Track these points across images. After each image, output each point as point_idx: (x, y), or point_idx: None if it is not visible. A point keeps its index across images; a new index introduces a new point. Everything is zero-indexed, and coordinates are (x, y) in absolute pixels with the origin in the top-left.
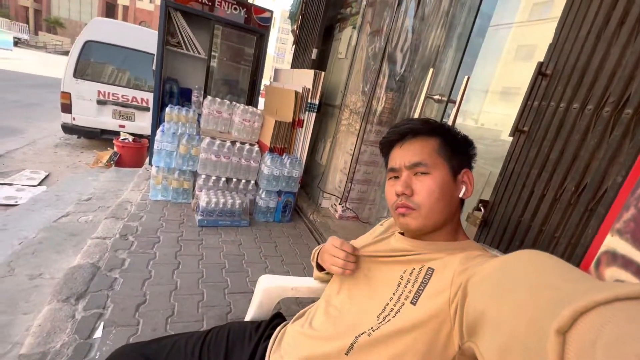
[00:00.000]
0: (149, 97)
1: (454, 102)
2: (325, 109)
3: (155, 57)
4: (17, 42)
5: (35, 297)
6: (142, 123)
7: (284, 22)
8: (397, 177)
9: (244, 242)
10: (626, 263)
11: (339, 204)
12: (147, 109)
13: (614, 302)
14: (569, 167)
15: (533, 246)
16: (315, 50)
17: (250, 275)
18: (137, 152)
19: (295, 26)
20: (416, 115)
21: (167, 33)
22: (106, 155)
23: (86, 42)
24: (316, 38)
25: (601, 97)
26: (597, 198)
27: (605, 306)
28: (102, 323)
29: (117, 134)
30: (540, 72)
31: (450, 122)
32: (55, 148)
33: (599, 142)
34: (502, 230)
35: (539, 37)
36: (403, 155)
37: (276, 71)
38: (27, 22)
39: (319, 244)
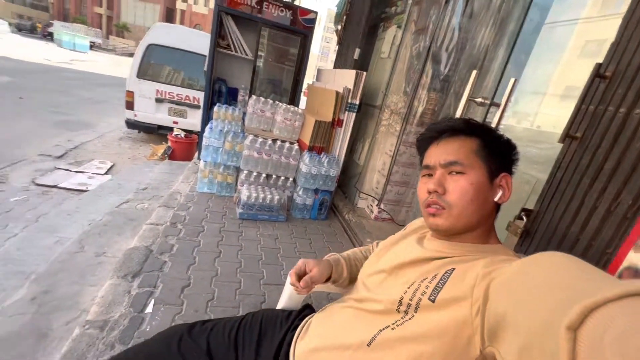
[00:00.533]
0: (200, 95)
1: (498, 105)
2: (365, 109)
3: (206, 59)
4: (92, 46)
5: (100, 272)
6: (193, 120)
7: (329, 21)
8: (430, 175)
9: (280, 237)
10: None
11: (376, 204)
12: (198, 107)
13: (624, 298)
14: (627, 177)
15: None
16: (357, 50)
17: (284, 268)
18: (188, 147)
19: (340, 26)
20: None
21: (218, 36)
22: (161, 149)
23: (148, 46)
24: (359, 38)
25: None
26: None
27: (616, 302)
28: (153, 300)
29: (171, 129)
30: (599, 74)
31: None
32: (120, 141)
33: None
34: (545, 242)
35: (610, 33)
36: (439, 153)
37: (319, 71)
38: (101, 28)
39: (352, 243)
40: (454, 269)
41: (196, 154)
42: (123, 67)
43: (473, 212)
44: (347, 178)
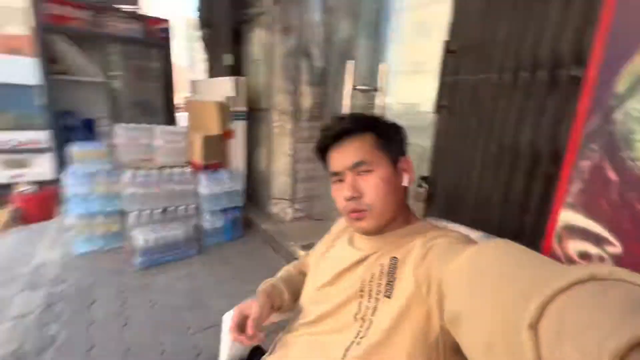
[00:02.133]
0: (42, 136)
1: (379, 90)
2: (254, 114)
3: (38, 91)
4: None
5: None
6: (41, 168)
7: (190, 30)
8: (341, 180)
9: (196, 273)
10: (585, 234)
11: (289, 207)
12: (43, 151)
13: (573, 286)
14: (489, 131)
15: (475, 212)
16: (229, 56)
17: (212, 307)
18: (45, 203)
19: (204, 32)
20: (344, 108)
21: (49, 61)
22: (3, 215)
23: None
24: (227, 43)
25: (500, 67)
26: (521, 155)
27: (565, 293)
28: None
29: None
30: (448, 49)
31: (380, 110)
32: None
33: (509, 105)
34: (443, 201)
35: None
36: (343, 157)
37: (192, 83)
38: None
39: (275, 251)
40: (396, 257)
41: (59, 209)
42: None
43: (391, 204)
44: (254, 188)
